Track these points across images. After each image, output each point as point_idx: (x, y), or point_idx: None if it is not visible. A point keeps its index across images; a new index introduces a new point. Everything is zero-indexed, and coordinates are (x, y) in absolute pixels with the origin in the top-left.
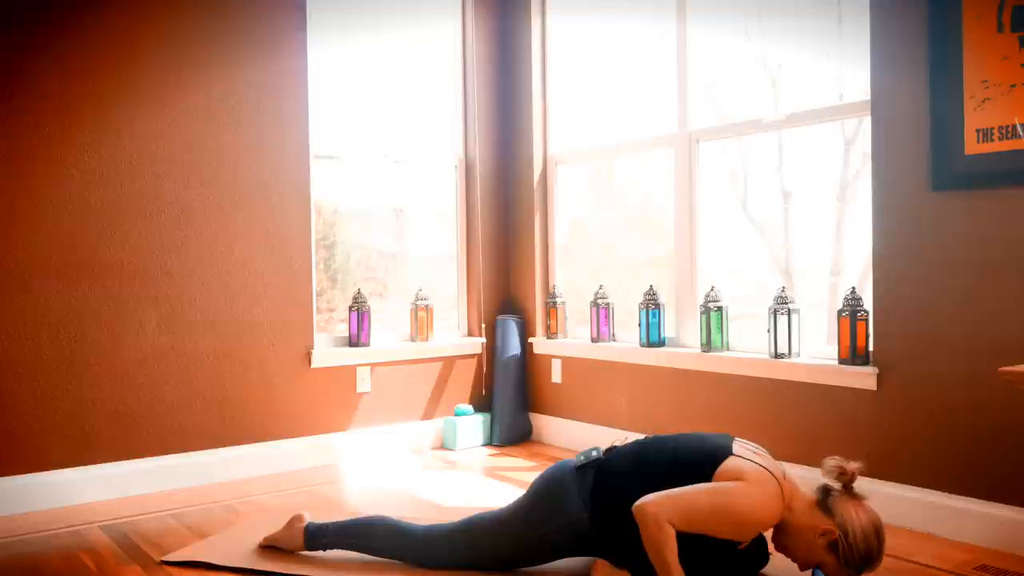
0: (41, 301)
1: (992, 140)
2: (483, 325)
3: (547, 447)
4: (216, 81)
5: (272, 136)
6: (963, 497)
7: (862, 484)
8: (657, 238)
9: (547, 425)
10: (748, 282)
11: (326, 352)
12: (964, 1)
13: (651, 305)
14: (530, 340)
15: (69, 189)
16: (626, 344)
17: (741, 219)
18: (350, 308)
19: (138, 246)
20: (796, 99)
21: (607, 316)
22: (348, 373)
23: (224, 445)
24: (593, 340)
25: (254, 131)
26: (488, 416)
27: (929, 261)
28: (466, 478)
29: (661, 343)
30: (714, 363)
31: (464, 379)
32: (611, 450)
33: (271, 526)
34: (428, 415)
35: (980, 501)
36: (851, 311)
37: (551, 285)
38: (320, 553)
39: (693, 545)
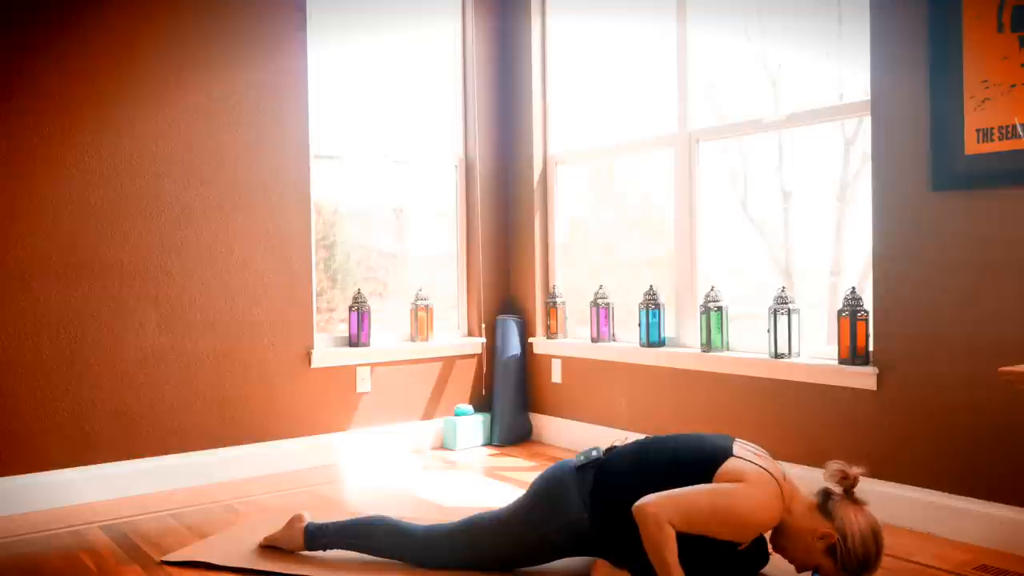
0: (41, 301)
1: (992, 140)
2: (483, 325)
3: (547, 447)
4: (216, 81)
5: (272, 136)
6: (963, 497)
7: (862, 485)
8: (657, 238)
9: (547, 425)
10: (748, 282)
11: (326, 352)
12: (964, 1)
13: (651, 305)
14: (530, 340)
15: (69, 189)
16: (626, 344)
17: (741, 219)
18: (350, 308)
19: (138, 246)
20: (796, 99)
21: (607, 316)
22: (348, 373)
23: (224, 445)
24: (593, 340)
25: (254, 131)
26: (488, 416)
27: (929, 261)
28: (466, 478)
29: (661, 343)
30: (714, 363)
31: (464, 379)
32: (611, 450)
33: (271, 526)
34: (428, 415)
35: (980, 501)
36: (851, 311)
37: (551, 285)
38: (320, 553)
39: (693, 546)
